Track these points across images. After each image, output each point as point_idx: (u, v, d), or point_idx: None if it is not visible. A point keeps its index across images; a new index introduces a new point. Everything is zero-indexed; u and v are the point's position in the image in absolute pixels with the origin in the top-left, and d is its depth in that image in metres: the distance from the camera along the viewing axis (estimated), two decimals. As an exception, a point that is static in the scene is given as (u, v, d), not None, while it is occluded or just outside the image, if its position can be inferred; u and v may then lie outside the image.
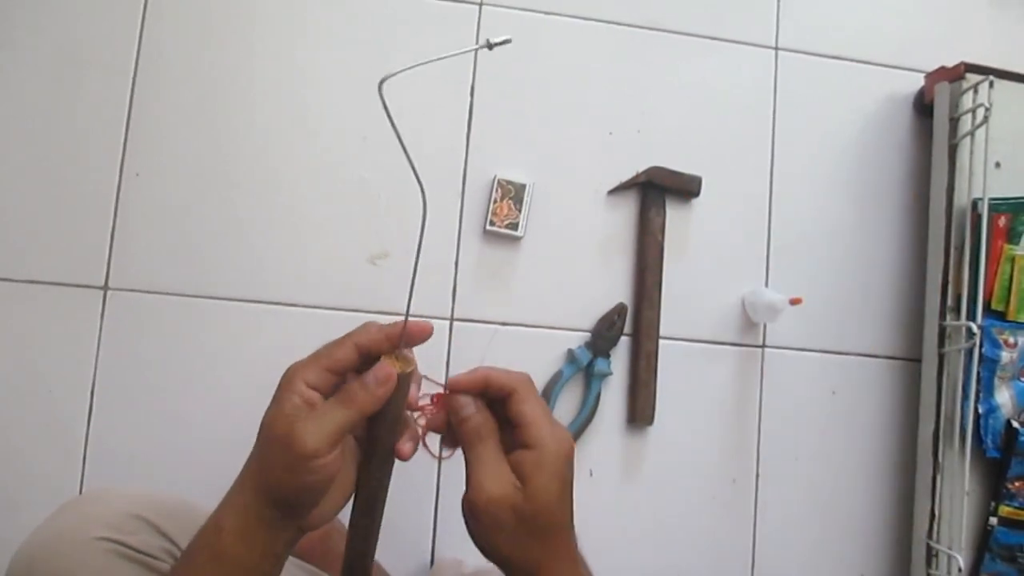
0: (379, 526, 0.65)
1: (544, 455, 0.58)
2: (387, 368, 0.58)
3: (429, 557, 1.18)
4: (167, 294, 1.17)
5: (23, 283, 1.15)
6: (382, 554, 1.17)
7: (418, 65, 0.60)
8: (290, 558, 0.63)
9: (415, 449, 0.62)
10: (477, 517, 0.57)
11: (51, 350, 1.15)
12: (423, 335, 0.62)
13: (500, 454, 0.59)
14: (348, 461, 0.61)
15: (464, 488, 0.58)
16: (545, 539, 0.58)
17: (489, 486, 0.57)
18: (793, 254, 1.31)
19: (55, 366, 1.15)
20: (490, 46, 0.58)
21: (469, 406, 0.60)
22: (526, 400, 0.60)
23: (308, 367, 0.59)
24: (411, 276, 0.64)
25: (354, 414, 0.57)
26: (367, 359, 0.60)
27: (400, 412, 0.61)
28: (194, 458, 1.15)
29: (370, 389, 0.57)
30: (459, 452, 0.61)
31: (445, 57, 0.61)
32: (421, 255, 1.21)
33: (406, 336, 0.60)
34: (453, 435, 0.62)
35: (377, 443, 0.61)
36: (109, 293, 1.17)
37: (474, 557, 1.15)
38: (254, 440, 1.15)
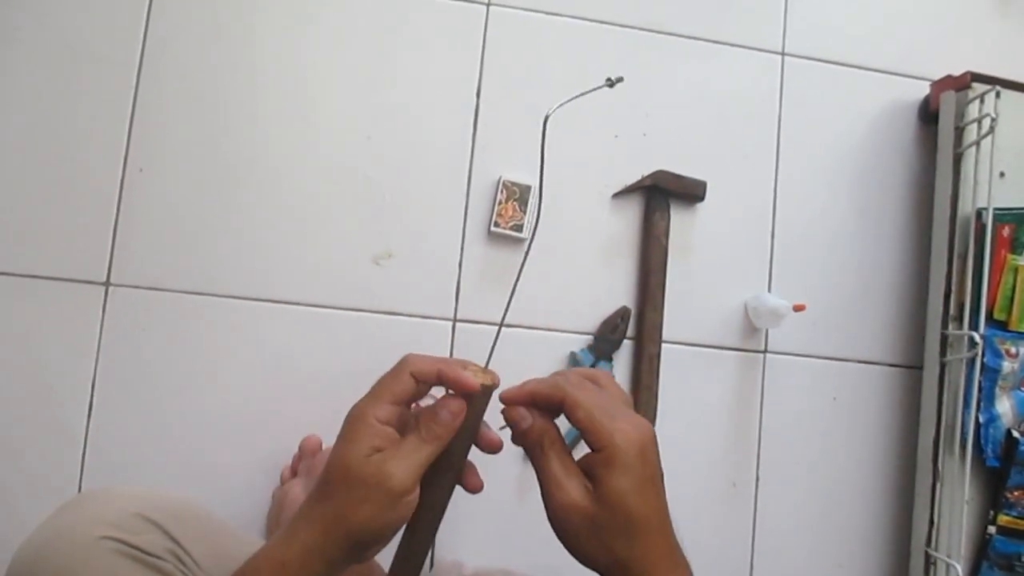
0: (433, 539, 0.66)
1: (611, 454, 0.57)
2: (458, 402, 0.59)
3: (429, 560, 1.18)
4: (169, 291, 1.16)
5: (24, 278, 1.14)
6: (382, 558, 1.17)
7: (577, 96, 0.68)
8: None
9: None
10: (555, 525, 0.58)
11: (52, 346, 1.14)
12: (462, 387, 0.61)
13: (566, 459, 0.59)
14: None
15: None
16: (630, 538, 0.57)
17: (557, 494, 0.57)
18: (796, 260, 1.31)
19: (55, 362, 1.14)
20: (611, 84, 0.63)
21: (525, 418, 0.60)
22: (578, 405, 0.59)
23: (376, 404, 0.60)
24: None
25: (436, 449, 0.58)
26: (425, 386, 0.61)
27: (476, 426, 0.62)
28: (195, 456, 1.15)
29: (445, 422, 0.58)
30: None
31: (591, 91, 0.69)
32: (425, 254, 1.21)
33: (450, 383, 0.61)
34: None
35: (453, 457, 0.62)
36: (111, 289, 1.16)
37: (473, 559, 1.16)
38: (254, 438, 1.16)
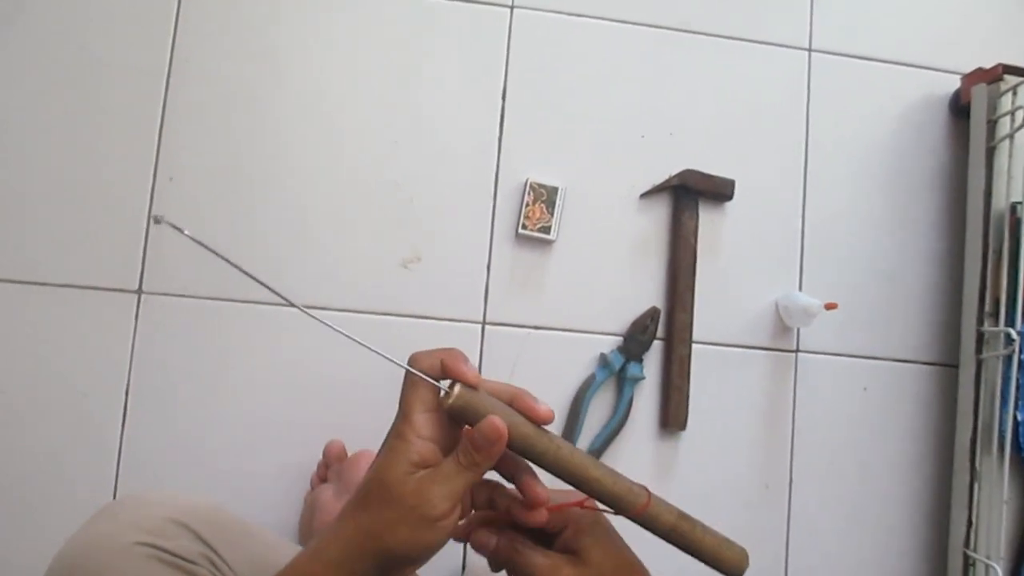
0: None
1: (578, 523, 0.63)
2: (495, 423, 0.56)
3: (461, 563, 1.18)
4: (201, 298, 1.17)
5: (58, 287, 1.16)
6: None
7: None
8: None
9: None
10: None
11: (85, 354, 1.15)
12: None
13: (540, 549, 0.62)
14: None
15: None
16: None
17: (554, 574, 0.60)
18: (827, 258, 1.30)
19: (89, 370, 1.15)
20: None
21: (489, 540, 0.62)
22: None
23: (410, 418, 0.59)
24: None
25: (476, 477, 0.58)
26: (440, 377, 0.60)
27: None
28: (228, 462, 1.16)
29: (486, 452, 0.57)
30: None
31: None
32: (453, 258, 1.21)
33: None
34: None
35: None
36: (143, 297, 1.17)
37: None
38: (286, 443, 1.16)
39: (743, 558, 0.65)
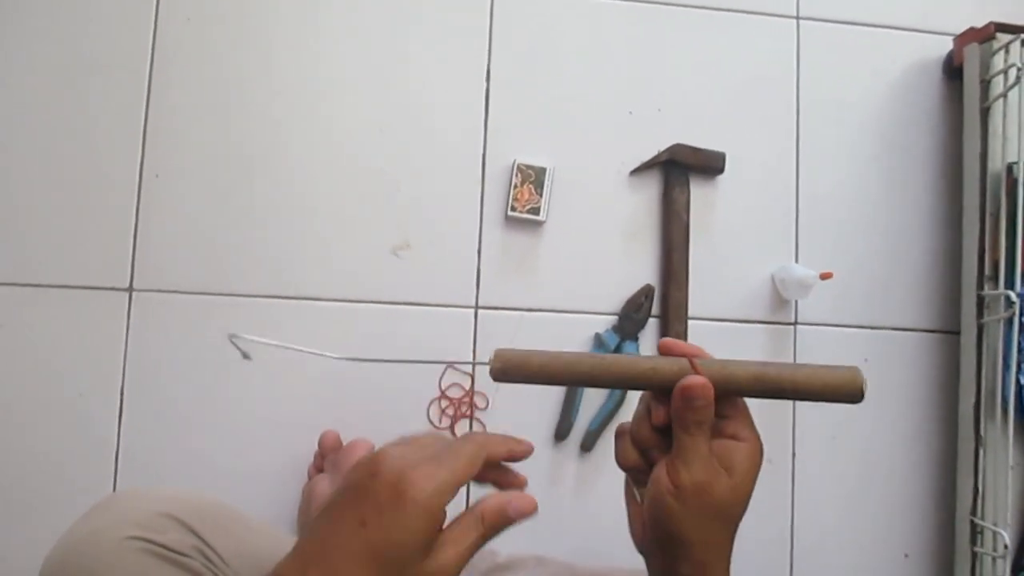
0: None
1: (753, 448, 0.59)
2: (529, 504, 0.56)
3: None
4: (192, 293, 1.17)
5: (50, 288, 1.16)
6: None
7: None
8: None
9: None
10: (683, 499, 0.57)
11: (80, 353, 1.15)
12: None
13: (709, 443, 0.58)
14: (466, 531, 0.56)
15: (664, 469, 0.58)
16: (729, 526, 0.59)
17: (701, 472, 0.57)
18: (823, 228, 1.28)
19: (84, 369, 1.15)
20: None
21: (709, 395, 0.57)
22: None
23: (448, 493, 0.54)
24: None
25: (489, 537, 0.55)
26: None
27: None
28: (225, 457, 1.16)
29: (509, 520, 0.56)
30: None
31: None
32: (443, 243, 1.21)
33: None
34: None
35: None
36: (134, 295, 1.17)
37: (506, 546, 1.15)
38: (282, 435, 1.16)
39: (854, 377, 0.56)
